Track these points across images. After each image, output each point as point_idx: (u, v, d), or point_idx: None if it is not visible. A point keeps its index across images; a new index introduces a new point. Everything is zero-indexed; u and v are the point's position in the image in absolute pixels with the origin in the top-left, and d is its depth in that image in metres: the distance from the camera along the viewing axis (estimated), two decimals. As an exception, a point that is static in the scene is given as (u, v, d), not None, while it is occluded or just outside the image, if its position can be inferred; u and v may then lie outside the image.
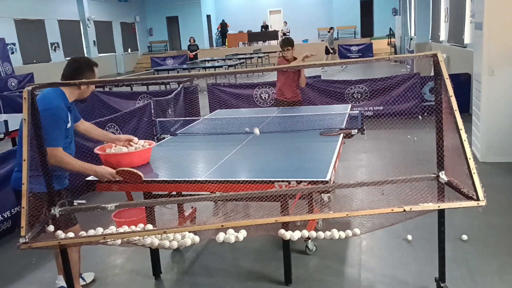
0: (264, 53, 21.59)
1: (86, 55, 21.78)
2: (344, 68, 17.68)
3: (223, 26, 29.92)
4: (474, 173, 2.39)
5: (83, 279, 3.42)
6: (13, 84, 14.54)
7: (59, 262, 3.18)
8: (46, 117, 2.68)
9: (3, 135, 5.30)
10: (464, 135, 2.45)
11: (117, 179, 2.94)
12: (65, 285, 3.09)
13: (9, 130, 5.35)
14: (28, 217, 2.28)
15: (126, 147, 3.31)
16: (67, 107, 2.91)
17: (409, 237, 3.81)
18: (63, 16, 21.12)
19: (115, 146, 3.35)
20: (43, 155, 2.55)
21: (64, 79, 2.93)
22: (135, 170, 2.95)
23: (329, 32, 20.65)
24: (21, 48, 18.44)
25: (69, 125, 2.93)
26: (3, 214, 4.37)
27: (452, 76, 7.84)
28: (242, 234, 2.47)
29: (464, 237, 3.74)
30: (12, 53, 17.50)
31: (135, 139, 3.38)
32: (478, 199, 2.38)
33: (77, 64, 2.99)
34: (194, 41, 20.16)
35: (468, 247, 3.63)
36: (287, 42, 5.65)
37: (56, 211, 2.62)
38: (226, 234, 2.46)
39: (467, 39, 9.59)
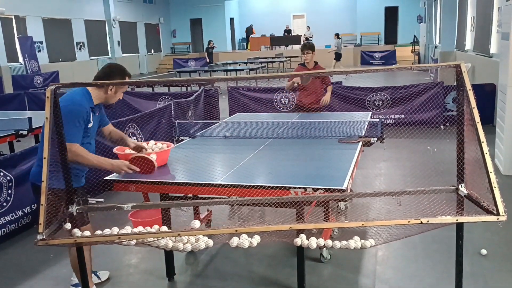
0: (286, 57, 21.59)
1: (110, 55, 22.18)
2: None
3: (249, 30, 29.92)
4: (495, 187, 2.33)
5: (98, 277, 3.46)
6: (38, 81, 14.87)
7: (72, 260, 3.23)
8: (64, 113, 2.76)
9: (26, 131, 5.41)
10: (485, 148, 2.39)
11: (132, 168, 2.97)
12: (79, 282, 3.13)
13: (33, 127, 5.46)
14: (46, 213, 2.32)
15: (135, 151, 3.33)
16: (90, 108, 2.95)
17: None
18: (89, 16, 21.51)
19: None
20: (63, 152, 2.60)
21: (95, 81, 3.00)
22: (148, 157, 3.00)
23: (339, 38, 20.30)
24: (47, 46, 18.83)
25: (90, 125, 2.98)
26: (23, 209, 4.46)
27: (476, 86, 7.73)
28: (256, 239, 2.47)
29: (483, 251, 3.65)
30: (39, 51, 17.90)
31: (144, 145, 3.40)
32: (498, 214, 2.32)
33: (110, 69, 3.05)
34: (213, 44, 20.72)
35: (487, 262, 3.55)
36: (308, 46, 5.62)
37: (73, 209, 2.66)
38: (240, 239, 2.46)
39: (493, 49, 9.40)
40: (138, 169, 2.99)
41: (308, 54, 5.55)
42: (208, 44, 20.75)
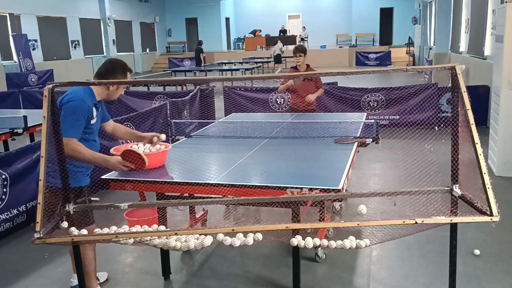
0: (281, 57, 21.61)
1: (105, 54, 22.10)
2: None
3: (254, 33, 29.68)
4: (488, 188, 2.36)
5: (97, 279, 3.44)
6: (33, 79, 14.79)
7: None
8: (66, 108, 2.81)
9: (22, 130, 5.38)
10: (480, 149, 2.42)
11: (126, 165, 2.97)
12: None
13: (28, 126, 5.44)
14: (44, 212, 2.32)
15: (149, 144, 3.32)
16: (93, 104, 2.96)
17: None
18: (85, 14, 21.42)
19: (137, 146, 3.38)
20: (61, 151, 2.60)
21: (97, 76, 3.03)
22: (141, 153, 3.00)
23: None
24: (42, 44, 18.73)
25: (93, 121, 2.98)
26: (19, 208, 4.44)
27: (470, 88, 7.79)
28: (251, 238, 2.47)
29: (477, 252, 3.69)
30: (34, 49, 17.80)
31: (162, 136, 3.35)
32: (491, 215, 2.35)
33: (112, 65, 3.05)
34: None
35: (480, 262, 3.58)
36: (300, 49, 5.65)
37: (70, 208, 2.66)
38: (236, 237, 2.47)
39: (487, 51, 9.48)
40: (133, 166, 2.99)
41: (300, 57, 5.58)
42: (199, 44, 19.09)
